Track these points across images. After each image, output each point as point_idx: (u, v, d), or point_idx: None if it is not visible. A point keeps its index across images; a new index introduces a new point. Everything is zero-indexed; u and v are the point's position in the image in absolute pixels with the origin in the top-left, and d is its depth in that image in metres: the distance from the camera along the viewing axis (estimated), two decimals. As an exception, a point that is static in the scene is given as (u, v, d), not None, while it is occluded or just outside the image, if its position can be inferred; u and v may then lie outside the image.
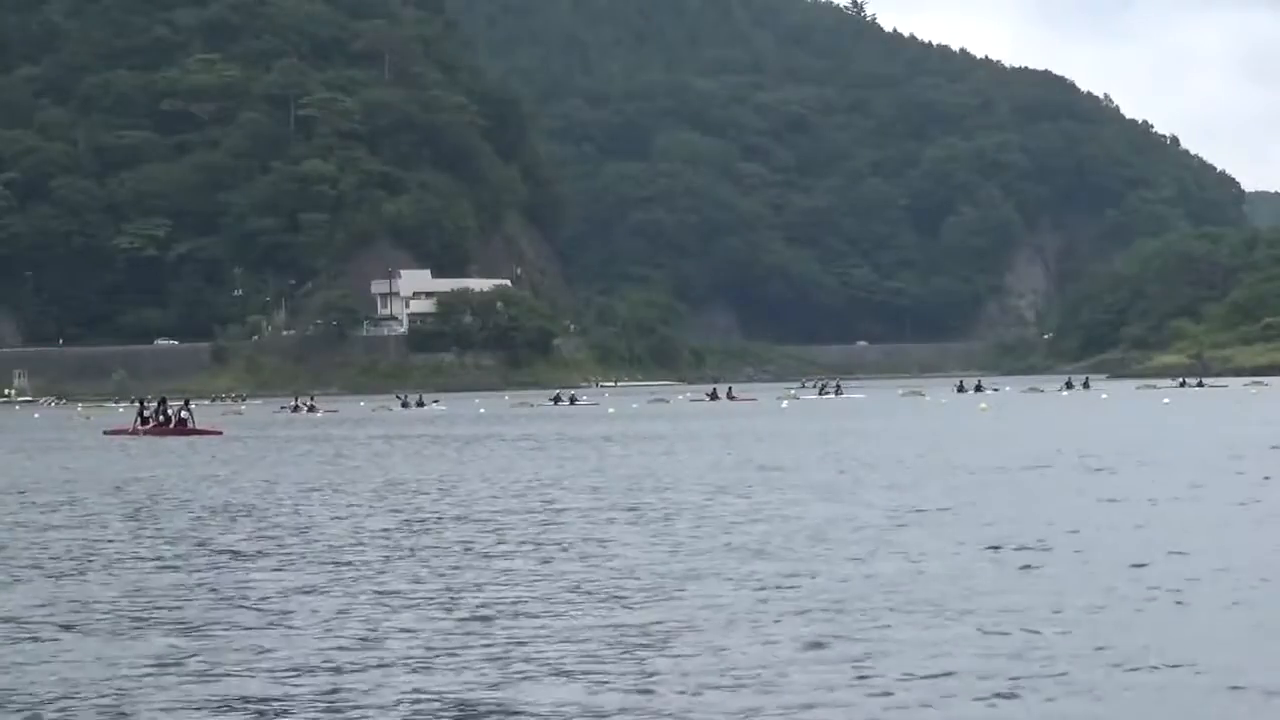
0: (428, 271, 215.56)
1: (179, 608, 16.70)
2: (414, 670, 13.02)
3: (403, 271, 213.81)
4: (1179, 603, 15.55)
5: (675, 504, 27.80)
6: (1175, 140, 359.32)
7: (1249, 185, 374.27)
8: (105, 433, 72.18)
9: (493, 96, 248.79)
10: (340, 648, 14.04)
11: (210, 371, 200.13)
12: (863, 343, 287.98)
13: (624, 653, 13.49)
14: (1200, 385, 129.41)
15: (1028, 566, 18.42)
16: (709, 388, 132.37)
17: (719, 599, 16.28)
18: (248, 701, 11.98)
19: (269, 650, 13.97)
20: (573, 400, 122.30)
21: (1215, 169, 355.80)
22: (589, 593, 17.03)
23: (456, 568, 19.54)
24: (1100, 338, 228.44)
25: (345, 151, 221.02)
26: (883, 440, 52.28)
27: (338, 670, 13.06)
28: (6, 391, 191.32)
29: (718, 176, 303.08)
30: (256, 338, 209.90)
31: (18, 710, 11.90)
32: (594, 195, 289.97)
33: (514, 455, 47.40)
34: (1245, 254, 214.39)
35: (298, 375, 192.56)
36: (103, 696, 12.29)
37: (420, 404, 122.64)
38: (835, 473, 35.36)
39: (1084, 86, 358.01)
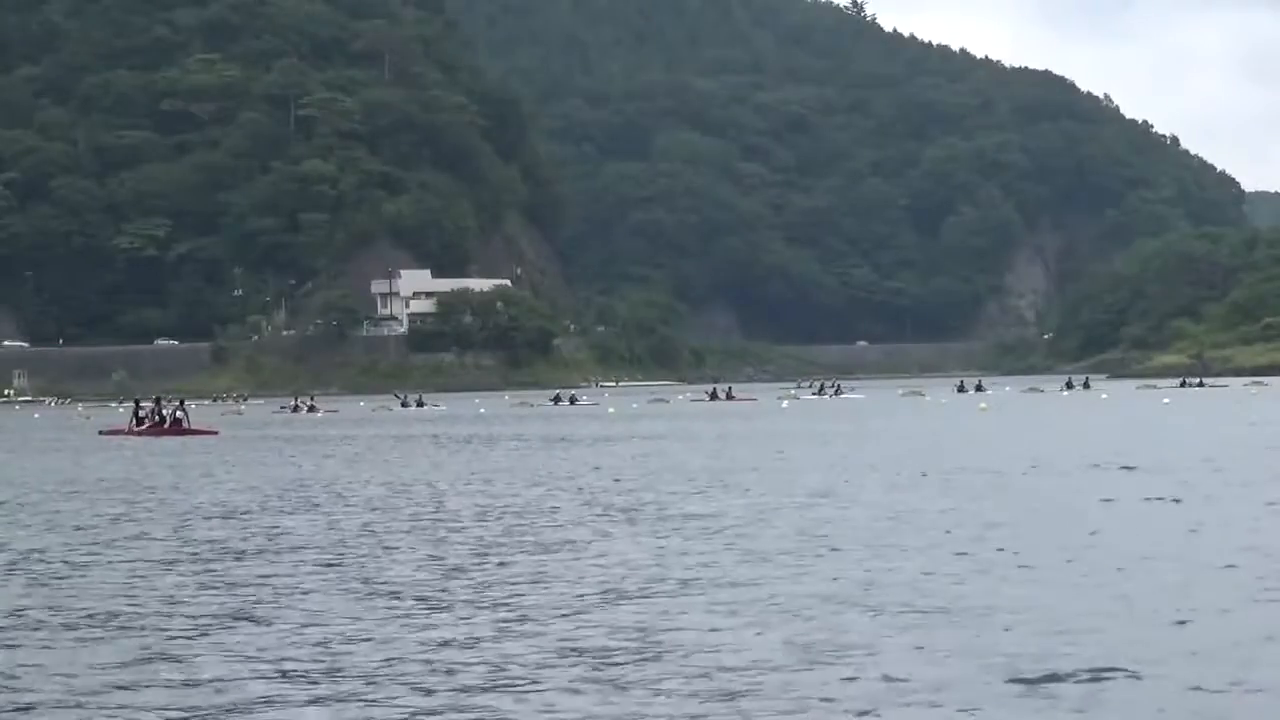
0: (428, 271, 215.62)
1: (139, 615, 16.57)
2: (400, 676, 12.92)
3: (403, 271, 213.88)
4: (1180, 603, 15.42)
5: (670, 505, 27.70)
6: (1175, 140, 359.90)
7: (1249, 185, 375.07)
8: (101, 433, 72.11)
9: (493, 96, 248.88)
10: (309, 654, 13.93)
11: (210, 371, 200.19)
12: (863, 343, 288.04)
13: (605, 657, 13.38)
14: (1200, 385, 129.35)
15: (1027, 567, 18.31)
16: (709, 388, 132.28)
17: (701, 598, 16.18)
18: (220, 707, 11.87)
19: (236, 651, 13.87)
20: (573, 400, 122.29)
21: (1215, 169, 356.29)
22: (581, 595, 16.93)
23: (441, 567, 19.43)
24: (1100, 338, 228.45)
25: (345, 151, 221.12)
26: (882, 440, 52.19)
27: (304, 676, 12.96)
28: (6, 392, 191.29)
29: (718, 176, 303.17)
30: (256, 338, 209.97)
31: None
32: (594, 195, 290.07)
33: (543, 454, 47.24)
34: (1245, 254, 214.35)
35: (298, 375, 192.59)
36: (74, 703, 12.17)
37: (420, 404, 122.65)
38: (834, 473, 35.25)
39: (1084, 86, 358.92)
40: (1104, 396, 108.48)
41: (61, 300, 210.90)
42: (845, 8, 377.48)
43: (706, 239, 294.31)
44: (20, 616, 16.31)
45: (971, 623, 14.49)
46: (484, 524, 24.99)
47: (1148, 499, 26.69)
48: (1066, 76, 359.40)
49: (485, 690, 12.17)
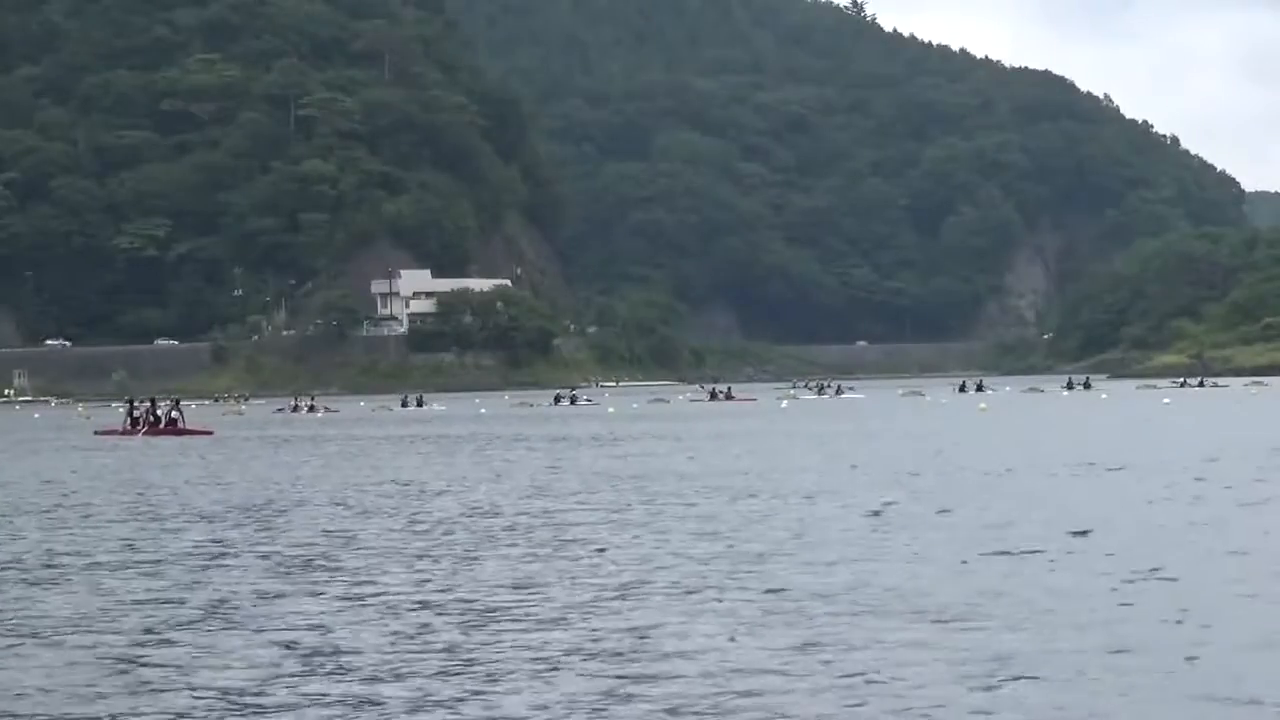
0: (428, 271, 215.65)
1: (124, 616, 16.48)
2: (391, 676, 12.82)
3: (403, 271, 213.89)
4: (1180, 604, 15.33)
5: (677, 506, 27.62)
6: (1175, 140, 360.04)
7: (1249, 185, 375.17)
8: (96, 433, 72.07)
9: (493, 96, 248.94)
10: (299, 651, 13.84)
11: (210, 371, 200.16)
12: (863, 343, 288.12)
13: (602, 655, 13.29)
14: (1201, 385, 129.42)
15: (1026, 567, 18.23)
16: (709, 388, 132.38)
17: (696, 598, 16.09)
18: (211, 709, 11.78)
19: (229, 653, 13.78)
20: (573, 400, 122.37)
21: (1215, 169, 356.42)
22: (575, 591, 16.84)
23: (434, 567, 19.33)
24: (1100, 338, 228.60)
25: (345, 151, 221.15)
26: (884, 440, 52.13)
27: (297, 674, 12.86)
28: (6, 392, 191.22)
29: (718, 176, 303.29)
30: (256, 338, 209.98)
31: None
32: (594, 195, 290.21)
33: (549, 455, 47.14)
34: (1245, 254, 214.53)
35: (298, 375, 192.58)
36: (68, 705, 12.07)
37: (420, 404, 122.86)
38: (833, 472, 35.18)
39: (1084, 86, 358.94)
40: (1104, 397, 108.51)
41: (61, 300, 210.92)
42: (845, 8, 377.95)
43: (706, 239, 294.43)
44: None
45: (966, 622, 14.41)
46: (474, 524, 24.91)
47: (1148, 500, 26.63)
48: (1066, 76, 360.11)
49: (477, 693, 12.08)
